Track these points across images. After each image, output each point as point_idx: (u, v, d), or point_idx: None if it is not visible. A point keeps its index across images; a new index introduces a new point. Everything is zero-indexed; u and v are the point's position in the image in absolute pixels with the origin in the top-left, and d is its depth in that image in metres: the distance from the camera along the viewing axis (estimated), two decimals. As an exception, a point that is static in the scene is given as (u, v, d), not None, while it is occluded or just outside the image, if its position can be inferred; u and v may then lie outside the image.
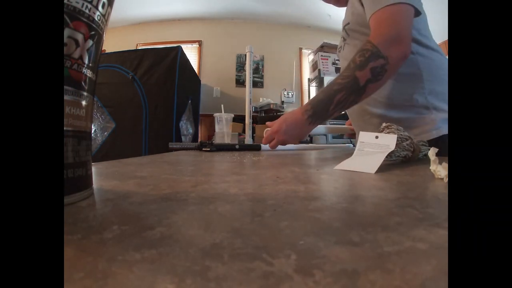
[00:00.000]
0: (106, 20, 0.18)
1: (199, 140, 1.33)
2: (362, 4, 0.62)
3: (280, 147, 0.77)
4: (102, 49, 0.18)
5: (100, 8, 0.16)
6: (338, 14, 3.22)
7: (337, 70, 3.00)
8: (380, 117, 0.68)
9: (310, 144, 1.64)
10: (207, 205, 0.16)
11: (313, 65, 3.23)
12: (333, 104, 0.59)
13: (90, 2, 0.15)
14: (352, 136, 0.96)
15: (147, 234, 0.11)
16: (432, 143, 0.54)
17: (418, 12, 0.59)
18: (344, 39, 0.73)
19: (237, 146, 0.74)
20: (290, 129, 0.64)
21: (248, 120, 1.12)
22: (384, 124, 0.41)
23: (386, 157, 0.34)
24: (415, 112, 0.65)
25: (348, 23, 0.69)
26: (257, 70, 3.59)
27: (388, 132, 0.39)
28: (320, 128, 0.72)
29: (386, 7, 0.56)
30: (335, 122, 2.81)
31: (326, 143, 2.57)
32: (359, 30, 0.67)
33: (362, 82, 0.56)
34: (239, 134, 1.66)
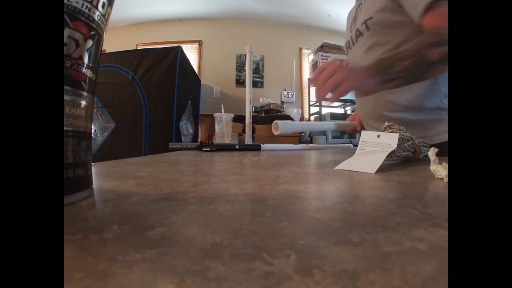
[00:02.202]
0: (106, 20, 0.18)
1: (199, 140, 1.33)
2: (398, 4, 0.59)
3: (280, 146, 0.77)
4: (102, 49, 0.18)
5: (100, 8, 0.16)
6: (338, 14, 3.22)
7: (337, 70, 2.99)
8: (395, 120, 0.67)
9: (310, 144, 1.64)
10: (207, 205, 0.16)
11: (313, 65, 3.23)
12: (400, 67, 0.52)
13: (90, 2, 0.15)
14: (354, 131, 0.97)
15: (147, 234, 0.11)
16: (446, 145, 0.54)
17: None
18: (361, 34, 0.71)
19: (237, 146, 0.74)
20: (343, 68, 0.53)
21: (248, 120, 1.12)
22: (386, 124, 0.41)
23: (387, 157, 0.34)
24: (431, 114, 0.65)
25: (371, 18, 0.67)
26: (257, 70, 3.59)
27: (390, 132, 0.39)
28: (327, 125, 0.73)
29: (440, 1, 0.52)
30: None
31: (326, 143, 2.57)
32: (385, 26, 0.65)
33: (430, 59, 0.51)
34: (239, 134, 1.66)
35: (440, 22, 0.53)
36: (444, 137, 0.62)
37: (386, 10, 0.64)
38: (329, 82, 0.52)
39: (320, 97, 0.54)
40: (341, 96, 0.53)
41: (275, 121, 0.76)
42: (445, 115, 0.64)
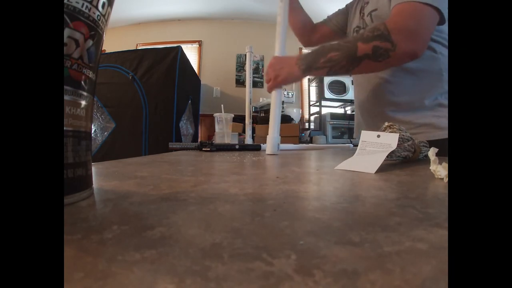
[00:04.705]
0: (106, 20, 0.18)
1: (199, 140, 1.33)
2: None
3: (280, 146, 0.78)
4: (102, 49, 0.18)
5: (100, 8, 0.16)
6: (338, 14, 3.22)
7: (337, 70, 2.99)
8: (394, 120, 0.68)
9: (310, 144, 1.64)
10: (207, 205, 0.16)
11: (313, 65, 3.22)
12: (325, 58, 0.58)
13: (90, 2, 0.15)
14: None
15: (147, 234, 0.11)
16: (443, 143, 0.54)
17: (443, 21, 0.58)
18: (366, 25, 0.73)
19: (237, 146, 0.74)
20: (278, 63, 0.64)
21: (248, 120, 1.12)
22: (386, 124, 0.41)
23: (387, 157, 0.34)
24: (431, 110, 0.65)
25: (376, 9, 0.68)
26: (257, 70, 3.59)
27: (390, 132, 0.39)
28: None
29: (413, 2, 0.54)
30: (338, 122, 2.81)
31: (326, 143, 2.57)
32: (384, 19, 0.66)
33: (360, 53, 0.55)
34: (239, 134, 1.66)
35: (392, 18, 0.56)
36: (444, 133, 0.63)
37: (384, 2, 0.64)
38: (267, 80, 0.66)
39: (269, 91, 0.67)
40: (276, 88, 0.65)
41: None
42: (445, 113, 0.64)
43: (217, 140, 1.03)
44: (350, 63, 0.57)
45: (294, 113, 3.04)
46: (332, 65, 0.58)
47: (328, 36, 0.87)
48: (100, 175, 0.27)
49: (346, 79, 2.93)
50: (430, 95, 0.65)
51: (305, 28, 0.89)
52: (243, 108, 1.15)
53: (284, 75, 0.63)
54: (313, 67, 0.60)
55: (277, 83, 0.64)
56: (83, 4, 0.15)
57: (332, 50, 0.57)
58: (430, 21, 0.56)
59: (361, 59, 0.56)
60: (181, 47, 2.19)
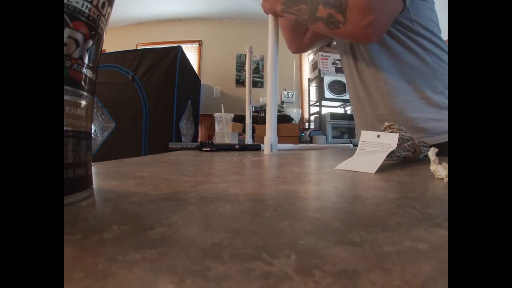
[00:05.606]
0: (106, 20, 0.18)
1: (199, 140, 1.33)
2: None
3: (280, 146, 0.78)
4: (102, 49, 0.18)
5: (100, 8, 0.16)
6: (338, 14, 3.22)
7: (337, 70, 3.00)
8: (415, 120, 0.67)
9: (310, 144, 1.64)
10: (207, 205, 0.16)
11: (313, 65, 3.23)
12: (297, 7, 0.63)
13: (90, 2, 0.15)
14: None
15: (147, 234, 0.11)
16: (445, 145, 0.53)
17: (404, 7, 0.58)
18: None
19: (237, 146, 0.74)
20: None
21: (248, 120, 1.12)
22: (386, 124, 0.41)
23: (387, 157, 0.34)
24: (430, 113, 0.64)
25: None
26: (257, 70, 3.59)
27: (390, 132, 0.39)
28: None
29: None
30: (338, 122, 2.81)
31: (326, 143, 2.57)
32: None
33: (318, 14, 0.59)
34: (239, 134, 1.66)
35: None
36: (442, 138, 0.62)
37: None
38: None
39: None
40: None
41: None
42: (445, 115, 0.64)
43: (217, 140, 1.03)
44: (309, 19, 0.61)
45: (294, 113, 3.04)
46: (299, 15, 0.63)
47: (318, 35, 0.86)
48: (100, 175, 0.27)
49: (346, 79, 2.93)
50: (442, 96, 0.64)
51: (296, 30, 0.88)
52: (243, 108, 1.15)
53: (269, 6, 0.70)
54: (287, 10, 0.66)
55: (263, 6, 0.72)
56: (83, 4, 0.15)
57: (305, 2, 0.62)
58: (393, 7, 0.55)
59: (317, 20, 0.59)
60: (181, 47, 2.19)
